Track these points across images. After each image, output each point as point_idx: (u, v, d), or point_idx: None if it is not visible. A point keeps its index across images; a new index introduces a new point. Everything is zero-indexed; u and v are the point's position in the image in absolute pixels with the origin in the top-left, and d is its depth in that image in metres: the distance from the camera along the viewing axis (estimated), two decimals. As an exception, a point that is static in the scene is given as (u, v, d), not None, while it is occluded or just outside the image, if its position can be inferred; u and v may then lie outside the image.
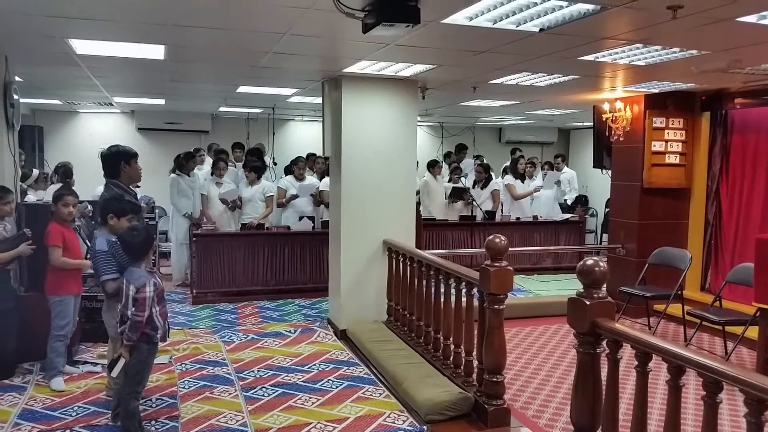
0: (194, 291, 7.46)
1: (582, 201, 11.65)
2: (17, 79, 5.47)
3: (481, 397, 4.05)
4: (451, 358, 4.62)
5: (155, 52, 4.71)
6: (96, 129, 10.65)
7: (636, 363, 2.77)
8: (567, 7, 3.21)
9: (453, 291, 4.58)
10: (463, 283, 4.43)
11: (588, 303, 2.92)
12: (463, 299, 4.46)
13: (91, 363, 5.10)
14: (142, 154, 9.06)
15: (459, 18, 3.47)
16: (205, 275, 7.44)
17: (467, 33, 3.77)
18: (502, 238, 3.92)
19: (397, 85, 5.92)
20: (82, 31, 4.15)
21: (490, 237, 3.94)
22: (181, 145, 9.88)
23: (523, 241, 9.19)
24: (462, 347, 4.47)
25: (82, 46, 4.60)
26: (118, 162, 4.20)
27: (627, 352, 2.95)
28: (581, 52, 4.35)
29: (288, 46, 4.34)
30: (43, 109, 9.90)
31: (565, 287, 8.08)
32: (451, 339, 4.64)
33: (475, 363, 4.29)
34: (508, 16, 3.42)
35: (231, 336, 6.00)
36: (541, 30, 3.67)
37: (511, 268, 3.88)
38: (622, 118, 6.83)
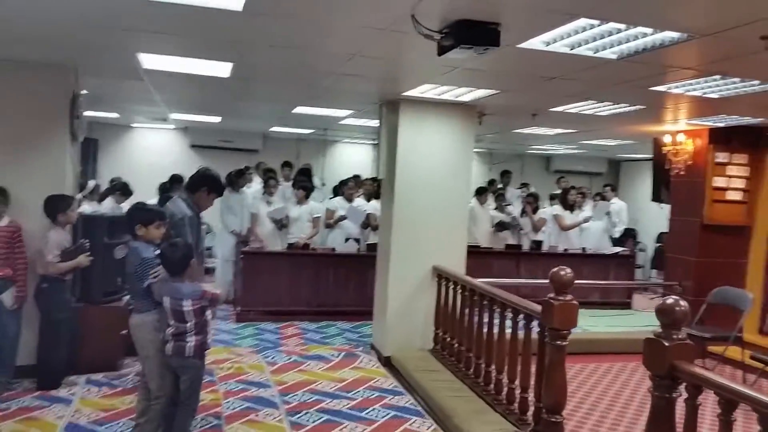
0: (238, 308, 7.43)
1: (631, 234, 11.33)
2: (83, 92, 5.58)
3: (538, 437, 3.87)
4: (504, 393, 4.45)
5: (222, 69, 4.74)
6: (149, 144, 10.86)
7: (719, 411, 2.59)
8: (651, 35, 3.10)
9: (509, 323, 4.43)
10: (521, 316, 4.29)
11: (667, 344, 2.75)
12: (520, 332, 4.31)
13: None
14: (195, 170, 9.17)
15: (536, 42, 3.39)
16: (249, 293, 7.42)
17: (541, 58, 3.67)
18: (568, 270, 3.76)
19: (455, 110, 5.85)
20: (153, 46, 4.21)
21: (555, 269, 3.78)
22: (232, 162, 9.96)
23: (570, 274, 8.92)
24: (517, 383, 4.30)
25: (149, 61, 4.65)
26: (201, 184, 4.31)
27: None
28: (655, 81, 4.23)
29: (355, 67, 4.32)
30: (99, 122, 10.14)
31: (614, 323, 7.81)
32: (504, 373, 4.47)
33: (531, 400, 4.12)
34: (587, 42, 3.32)
35: (274, 357, 5.94)
36: (618, 58, 3.56)
37: (576, 303, 3.72)
38: (684, 151, 6.63)
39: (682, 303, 2.81)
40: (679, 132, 6.68)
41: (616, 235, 10.13)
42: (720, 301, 6.05)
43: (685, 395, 2.76)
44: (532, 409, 4.09)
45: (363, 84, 5.07)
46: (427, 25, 2.98)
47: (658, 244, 11.76)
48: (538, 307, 3.92)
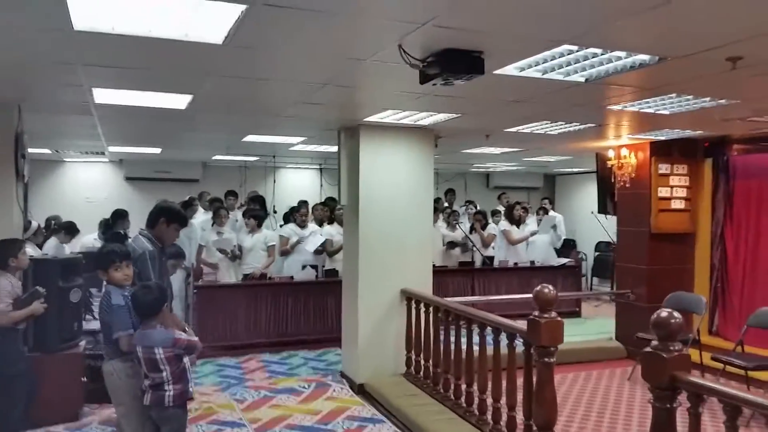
0: (194, 345, 7.14)
1: (570, 245, 11.73)
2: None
3: (532, 455, 3.89)
4: (489, 413, 4.45)
5: (180, 102, 4.59)
6: (82, 178, 10.36)
7: (725, 418, 2.68)
8: (624, 58, 3.23)
9: (490, 342, 4.46)
10: (503, 334, 4.32)
11: (666, 356, 2.84)
12: (503, 351, 4.34)
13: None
14: (130, 203, 8.80)
15: (510, 69, 3.46)
16: (205, 328, 7.15)
17: (512, 83, 3.74)
18: (551, 287, 3.83)
19: (413, 134, 5.89)
20: (111, 81, 4.02)
21: (538, 287, 3.84)
22: (171, 194, 9.58)
23: (522, 287, 9.11)
24: (503, 401, 4.31)
25: (102, 95, 4.44)
26: (158, 216, 4.11)
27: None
28: (613, 101, 4.39)
29: (322, 95, 4.27)
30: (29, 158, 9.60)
31: (569, 333, 7.94)
32: (487, 393, 4.48)
33: (518, 418, 4.14)
34: (561, 67, 3.42)
35: (242, 393, 5.72)
36: (586, 80, 3.68)
37: (561, 319, 3.79)
38: (628, 164, 6.92)
39: (676, 315, 2.91)
40: (622, 146, 6.97)
41: (558, 246, 10.47)
42: (675, 306, 6.18)
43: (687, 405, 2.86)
44: (520, 427, 4.10)
45: (325, 111, 5.02)
46: (413, 55, 2.99)
47: (597, 253, 12.25)
48: (522, 326, 3.97)
